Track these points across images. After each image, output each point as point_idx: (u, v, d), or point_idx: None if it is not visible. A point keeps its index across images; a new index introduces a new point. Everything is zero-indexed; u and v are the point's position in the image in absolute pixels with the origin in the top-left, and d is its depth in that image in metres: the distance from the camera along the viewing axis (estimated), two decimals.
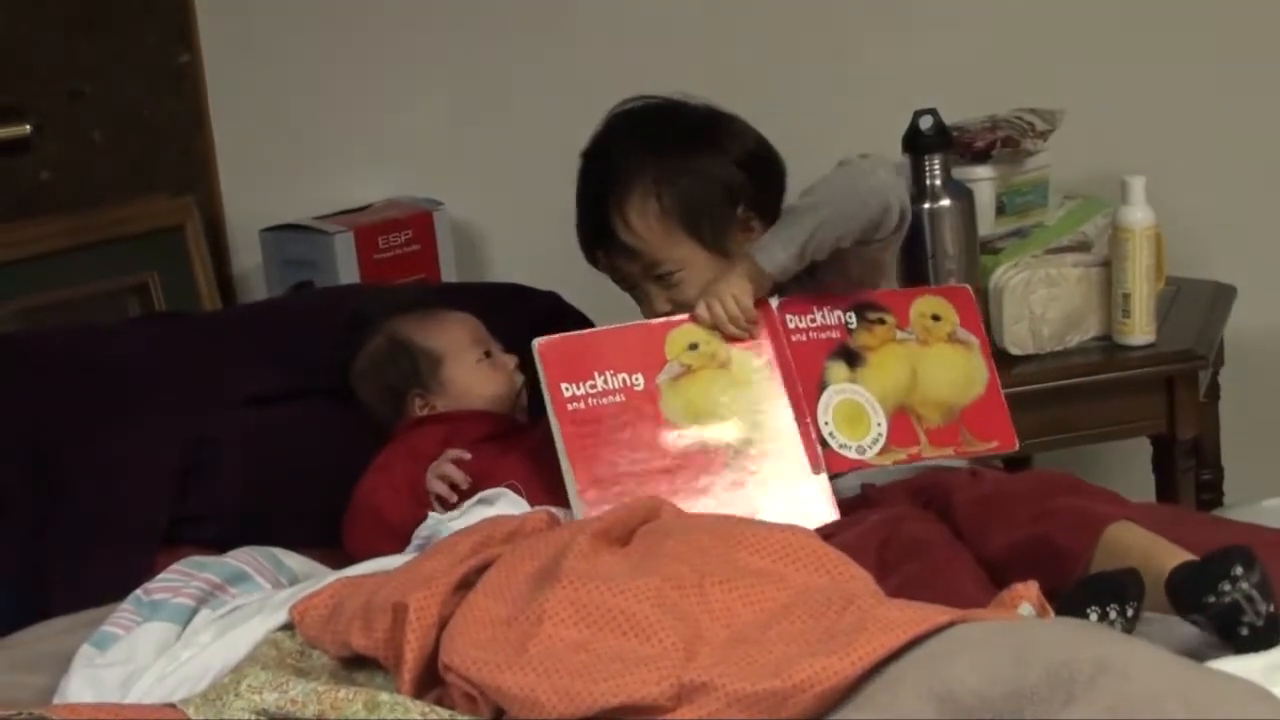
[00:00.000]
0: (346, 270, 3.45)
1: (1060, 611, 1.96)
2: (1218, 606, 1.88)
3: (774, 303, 2.53)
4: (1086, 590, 1.98)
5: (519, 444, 2.55)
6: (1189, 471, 3.08)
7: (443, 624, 1.96)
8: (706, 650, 1.86)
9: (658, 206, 2.56)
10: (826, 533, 2.22)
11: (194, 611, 2.21)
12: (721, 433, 2.44)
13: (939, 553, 2.18)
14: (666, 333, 2.48)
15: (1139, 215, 3.00)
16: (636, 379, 2.42)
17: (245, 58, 3.64)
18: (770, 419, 2.46)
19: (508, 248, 3.73)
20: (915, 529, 2.26)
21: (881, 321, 2.56)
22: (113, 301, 3.42)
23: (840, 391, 2.50)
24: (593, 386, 2.40)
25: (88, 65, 3.47)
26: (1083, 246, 3.16)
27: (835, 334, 2.54)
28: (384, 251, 3.51)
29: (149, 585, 2.26)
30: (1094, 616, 1.94)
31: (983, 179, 3.09)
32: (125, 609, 2.23)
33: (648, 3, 3.62)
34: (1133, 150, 3.41)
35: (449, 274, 3.58)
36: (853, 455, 2.46)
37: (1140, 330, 3.02)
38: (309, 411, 2.72)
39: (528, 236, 3.67)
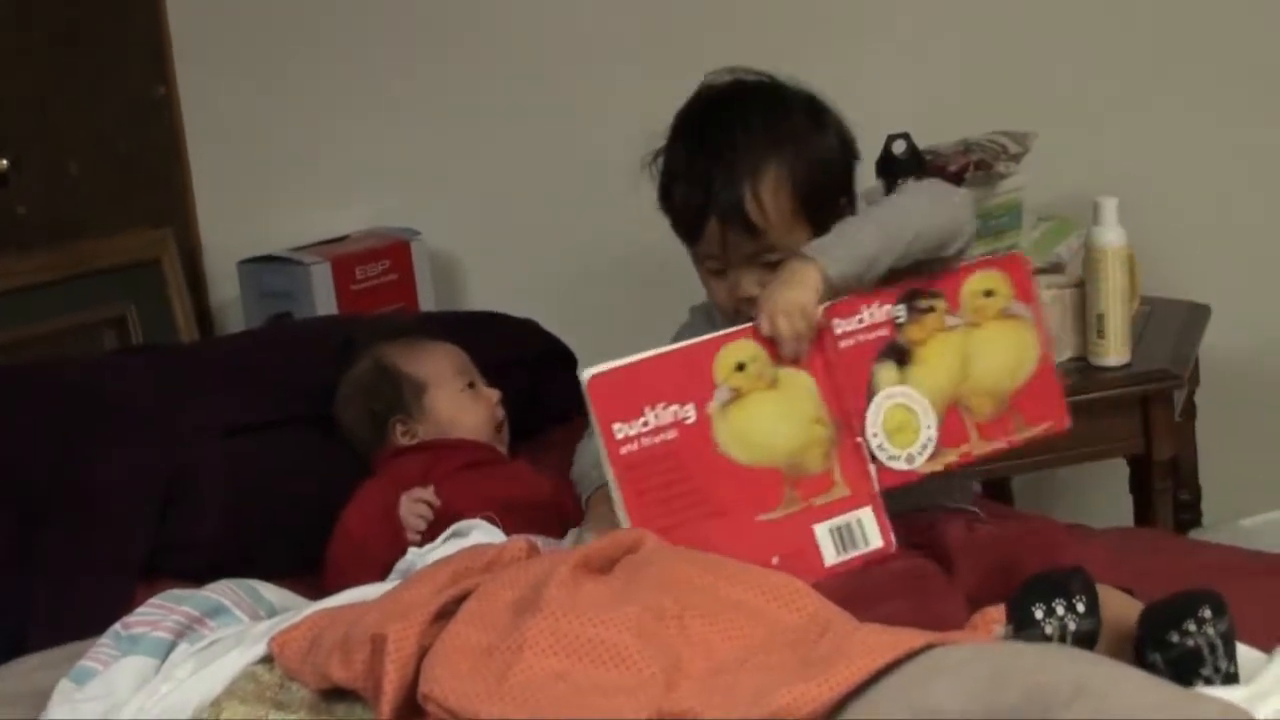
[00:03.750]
0: (324, 301, 3.46)
1: (1008, 615, 1.95)
2: (1180, 648, 1.86)
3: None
4: (1030, 590, 1.95)
5: (498, 473, 2.57)
6: (1166, 492, 3.08)
7: (422, 654, 1.95)
8: (686, 681, 1.86)
9: (790, 186, 2.42)
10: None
11: (172, 645, 2.20)
12: (774, 462, 2.27)
13: (929, 586, 2.18)
14: (716, 351, 2.27)
15: (1111, 236, 3.02)
16: (687, 411, 2.23)
17: (221, 90, 3.65)
18: (821, 444, 2.29)
19: (485, 276, 3.75)
20: (908, 564, 2.25)
21: (931, 309, 2.35)
22: (90, 335, 3.44)
23: (889, 397, 2.31)
24: (645, 424, 2.21)
25: (64, 99, 3.48)
26: (1056, 268, 3.17)
27: (884, 332, 2.33)
28: (361, 281, 3.52)
29: (127, 619, 2.25)
30: (1039, 613, 1.92)
31: None
32: (104, 643, 2.22)
33: (620, 33, 3.64)
34: (1105, 171, 3.43)
35: (427, 303, 3.59)
36: (901, 466, 2.30)
37: (1115, 351, 3.03)
38: (288, 441, 2.72)
39: (505, 265, 3.69)
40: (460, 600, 2.03)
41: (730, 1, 3.62)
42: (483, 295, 3.70)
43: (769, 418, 2.26)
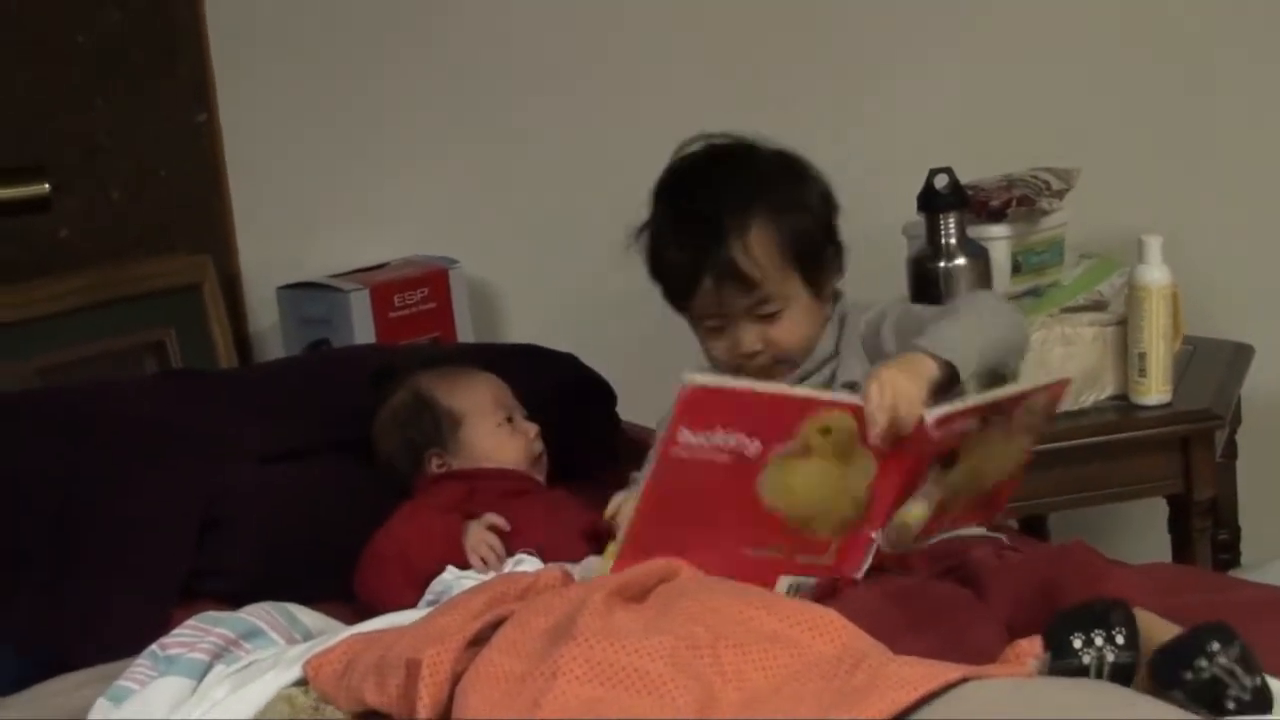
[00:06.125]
0: (362, 328, 3.46)
1: (1045, 643, 1.93)
2: (1195, 683, 1.84)
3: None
4: (1069, 619, 1.94)
5: (539, 502, 2.56)
6: (1205, 532, 3.07)
7: (456, 679, 1.95)
8: (718, 711, 1.85)
9: (777, 237, 2.49)
10: (848, 593, 2.21)
11: (209, 667, 2.20)
12: (791, 515, 2.22)
13: (963, 614, 2.17)
14: (813, 412, 2.19)
15: (1156, 274, 3.01)
16: (753, 445, 2.17)
17: (262, 117, 3.65)
18: (841, 520, 2.25)
19: (523, 307, 3.74)
20: (941, 591, 2.24)
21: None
22: (130, 359, 3.43)
23: None
24: (707, 439, 2.16)
25: (106, 124, 3.49)
26: (1099, 306, 3.16)
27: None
28: (400, 309, 3.52)
29: (164, 640, 2.25)
30: (1078, 643, 1.90)
31: (998, 238, 3.09)
32: (141, 663, 2.22)
33: (662, 63, 3.64)
34: (1149, 209, 3.43)
35: (464, 332, 3.59)
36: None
37: (1156, 390, 3.02)
38: (325, 468, 2.72)
39: (543, 295, 3.69)
40: (495, 626, 2.03)
41: (773, 37, 3.61)
42: (520, 325, 3.70)
43: (818, 483, 2.23)
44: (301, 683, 2.10)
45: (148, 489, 2.59)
